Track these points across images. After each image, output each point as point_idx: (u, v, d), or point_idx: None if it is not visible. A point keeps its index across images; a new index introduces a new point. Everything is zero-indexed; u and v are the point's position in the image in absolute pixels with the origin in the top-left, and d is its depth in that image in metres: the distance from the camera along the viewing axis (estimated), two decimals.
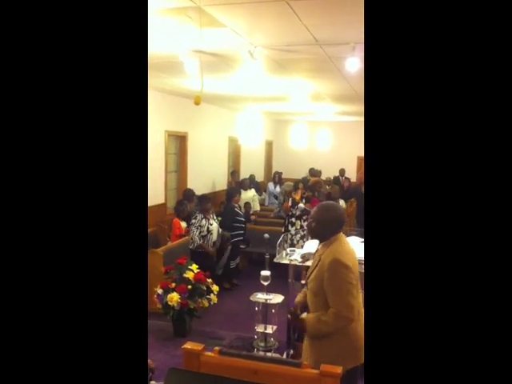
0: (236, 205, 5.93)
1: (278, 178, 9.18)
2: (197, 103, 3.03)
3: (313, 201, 6.33)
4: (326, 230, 2.19)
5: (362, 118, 10.83)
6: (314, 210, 2.28)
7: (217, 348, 1.70)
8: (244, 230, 5.90)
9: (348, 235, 4.28)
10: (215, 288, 4.32)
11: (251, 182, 8.79)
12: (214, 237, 5.38)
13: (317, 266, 2.18)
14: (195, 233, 5.17)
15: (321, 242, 2.26)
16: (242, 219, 5.83)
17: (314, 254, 2.36)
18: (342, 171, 10.24)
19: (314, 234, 2.30)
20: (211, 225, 5.26)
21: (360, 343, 1.97)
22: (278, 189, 8.61)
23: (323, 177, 9.40)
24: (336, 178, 10.16)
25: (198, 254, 5.13)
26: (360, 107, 8.21)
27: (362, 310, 2.16)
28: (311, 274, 2.23)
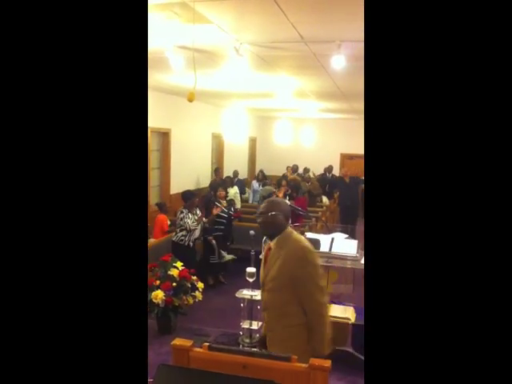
0: (221, 200, 5.86)
1: (261, 177, 9.20)
2: (190, 100, 2.98)
3: (297, 199, 6.38)
4: (280, 223, 2.17)
5: (345, 116, 10.94)
6: (263, 206, 2.23)
7: (206, 344, 1.70)
8: (225, 226, 5.78)
9: (332, 231, 4.33)
10: (200, 285, 4.32)
11: (234, 178, 8.78)
12: (197, 232, 5.38)
13: (276, 262, 2.13)
14: (180, 227, 5.19)
15: (273, 238, 2.19)
16: (223, 215, 5.73)
17: (267, 251, 2.26)
18: (330, 168, 10.35)
19: (268, 229, 2.22)
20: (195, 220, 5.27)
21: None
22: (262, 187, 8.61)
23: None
24: (323, 175, 10.24)
25: (179, 246, 5.14)
26: (343, 105, 8.28)
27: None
28: (269, 272, 2.16)
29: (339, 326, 3.56)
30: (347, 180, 8.07)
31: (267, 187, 7.15)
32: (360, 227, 7.78)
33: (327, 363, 1.59)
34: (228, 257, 5.81)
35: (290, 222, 2.27)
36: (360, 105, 8.24)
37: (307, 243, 2.19)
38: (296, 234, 2.21)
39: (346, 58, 3.61)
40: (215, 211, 5.54)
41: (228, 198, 7.00)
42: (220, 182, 7.06)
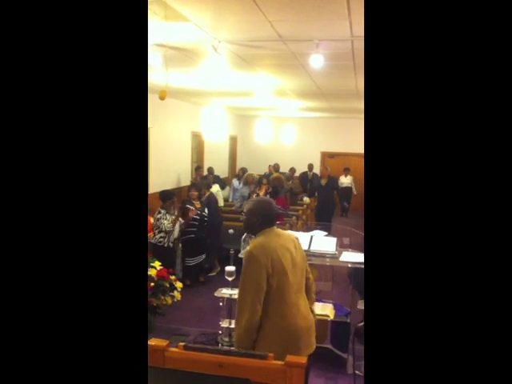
0: (193, 201, 5.72)
1: (242, 174, 9.20)
2: (162, 98, 2.96)
3: (277, 198, 6.40)
4: (254, 223, 2.24)
5: (325, 114, 11.01)
6: (246, 205, 2.37)
7: (181, 343, 1.69)
8: (197, 228, 5.63)
9: (312, 229, 4.36)
10: (179, 285, 4.29)
11: (210, 174, 8.75)
12: (176, 233, 5.33)
13: None
14: (157, 228, 5.14)
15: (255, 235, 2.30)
16: (196, 217, 5.59)
17: None
18: (311, 166, 10.46)
19: (245, 228, 2.42)
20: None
21: (275, 346, 2.01)
22: (241, 185, 8.60)
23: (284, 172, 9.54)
24: (304, 174, 10.33)
25: (158, 248, 5.09)
26: (323, 103, 8.33)
27: (282, 311, 2.12)
28: None
29: (318, 323, 3.58)
30: (323, 182, 8.13)
31: (250, 172, 7.18)
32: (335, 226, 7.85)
33: (303, 360, 1.60)
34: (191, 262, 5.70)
35: (272, 222, 2.27)
36: (338, 104, 8.31)
37: (253, 248, 2.11)
38: (261, 237, 2.19)
39: (324, 57, 3.63)
40: (191, 214, 5.43)
41: (202, 200, 6.95)
42: (203, 181, 6.96)
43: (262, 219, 2.22)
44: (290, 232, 2.50)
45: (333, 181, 8.42)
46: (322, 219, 7.56)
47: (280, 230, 2.34)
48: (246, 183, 6.72)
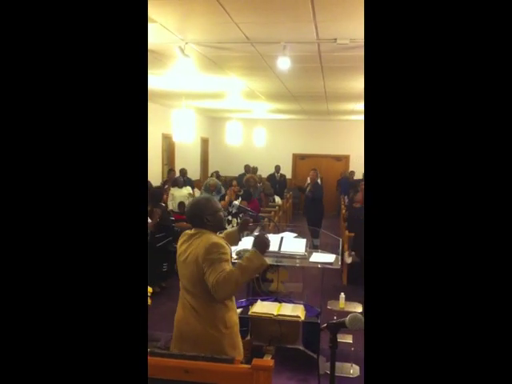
0: (163, 204, 5.68)
1: (216, 177, 9.17)
2: None
3: (251, 200, 6.39)
4: None
5: (296, 116, 11.08)
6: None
7: (148, 349, 1.66)
8: (172, 230, 5.57)
9: (282, 231, 4.37)
10: (149, 290, 4.22)
11: (183, 176, 8.67)
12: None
13: None
14: None
15: None
16: (171, 218, 5.59)
17: None
18: (278, 168, 10.55)
19: None
20: None
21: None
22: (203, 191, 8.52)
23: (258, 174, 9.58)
24: (271, 175, 10.41)
25: None
26: (293, 106, 8.38)
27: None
28: None
29: (290, 324, 3.59)
30: (308, 188, 7.84)
31: (211, 178, 7.06)
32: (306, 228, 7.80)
33: (270, 363, 1.60)
34: None
35: (192, 223, 2.34)
36: (308, 106, 8.38)
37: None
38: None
39: (291, 60, 3.66)
40: (155, 215, 5.29)
41: (178, 201, 6.84)
42: (157, 190, 6.70)
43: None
44: (208, 239, 2.27)
45: (318, 188, 7.62)
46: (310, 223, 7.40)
47: (204, 234, 2.24)
48: (208, 190, 6.53)
